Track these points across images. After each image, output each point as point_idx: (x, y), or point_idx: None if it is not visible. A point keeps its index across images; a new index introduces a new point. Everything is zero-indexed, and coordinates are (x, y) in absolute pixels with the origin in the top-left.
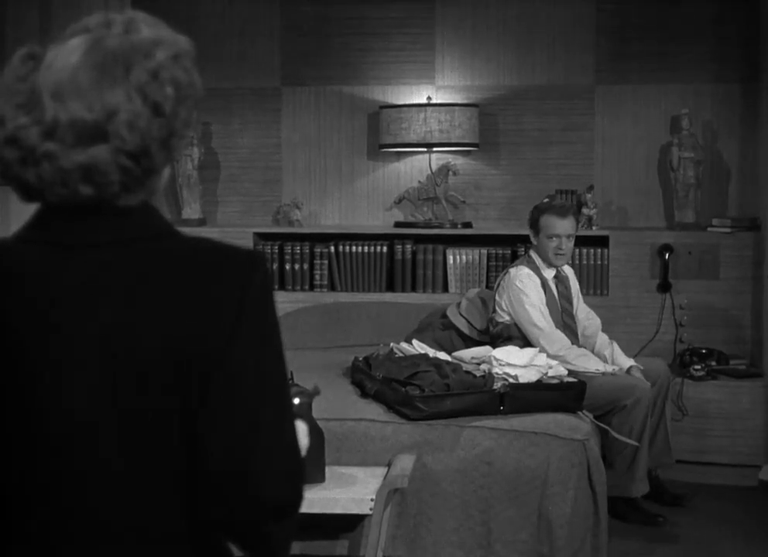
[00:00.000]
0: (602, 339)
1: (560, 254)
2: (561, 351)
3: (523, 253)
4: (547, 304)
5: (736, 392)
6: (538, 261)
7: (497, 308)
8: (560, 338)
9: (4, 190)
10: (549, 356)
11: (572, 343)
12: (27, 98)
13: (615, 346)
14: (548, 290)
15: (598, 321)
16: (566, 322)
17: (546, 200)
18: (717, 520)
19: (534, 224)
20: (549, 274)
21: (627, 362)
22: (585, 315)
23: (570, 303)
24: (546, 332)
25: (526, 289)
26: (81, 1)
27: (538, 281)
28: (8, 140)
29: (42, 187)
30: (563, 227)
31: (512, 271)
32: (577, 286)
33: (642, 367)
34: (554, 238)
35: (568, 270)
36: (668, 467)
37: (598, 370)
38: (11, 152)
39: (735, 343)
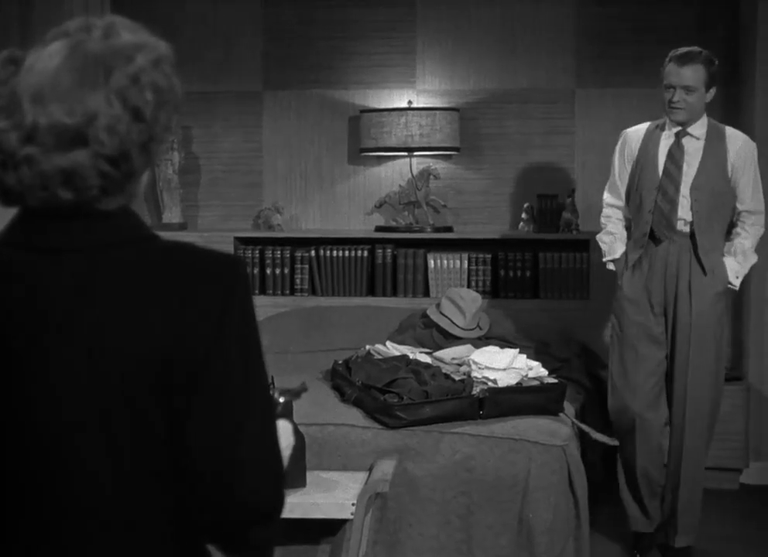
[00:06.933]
0: (735, 246)
1: (674, 108)
2: (601, 219)
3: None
4: (641, 160)
5: None
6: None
7: None
8: (606, 215)
9: None
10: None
11: (666, 216)
12: (7, 102)
13: (734, 262)
14: (652, 147)
15: (754, 224)
16: (663, 185)
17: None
18: (699, 523)
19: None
20: (670, 131)
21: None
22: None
23: (680, 168)
24: (604, 198)
25: (617, 146)
26: (61, 5)
27: (630, 138)
28: None
29: (21, 191)
30: (678, 76)
31: None
32: (712, 159)
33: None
34: (669, 89)
35: (716, 135)
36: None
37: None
38: None
39: None
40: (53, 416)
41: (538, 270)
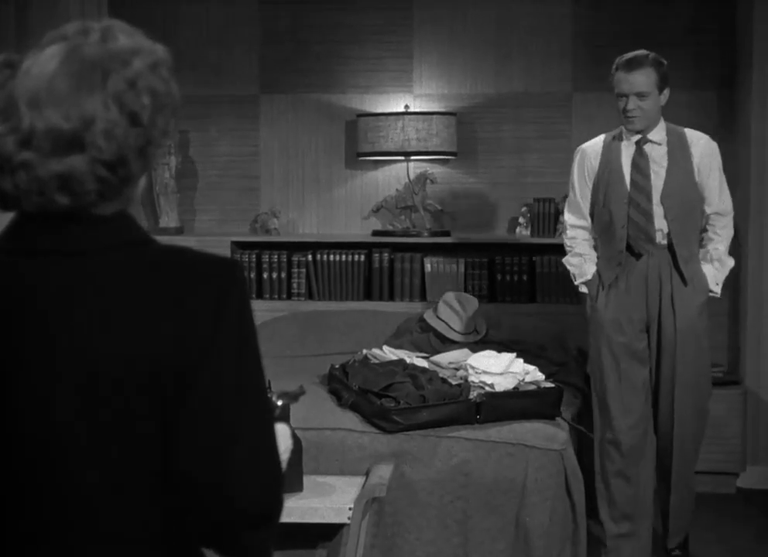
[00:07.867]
0: (710, 252)
1: (630, 117)
2: (566, 241)
3: (500, 261)
4: (605, 175)
5: (713, 400)
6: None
7: None
8: (571, 236)
9: None
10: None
11: (643, 230)
12: (4, 106)
13: (712, 269)
14: (614, 160)
15: (722, 231)
16: (633, 198)
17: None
18: (695, 528)
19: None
20: (629, 141)
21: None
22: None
23: (647, 178)
24: (566, 219)
25: (575, 163)
26: (58, 8)
27: (588, 154)
28: None
29: (18, 195)
30: (629, 83)
31: None
32: (678, 164)
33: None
34: (622, 98)
35: (677, 138)
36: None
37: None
38: None
39: (713, 349)
40: (43, 424)
41: (535, 274)
